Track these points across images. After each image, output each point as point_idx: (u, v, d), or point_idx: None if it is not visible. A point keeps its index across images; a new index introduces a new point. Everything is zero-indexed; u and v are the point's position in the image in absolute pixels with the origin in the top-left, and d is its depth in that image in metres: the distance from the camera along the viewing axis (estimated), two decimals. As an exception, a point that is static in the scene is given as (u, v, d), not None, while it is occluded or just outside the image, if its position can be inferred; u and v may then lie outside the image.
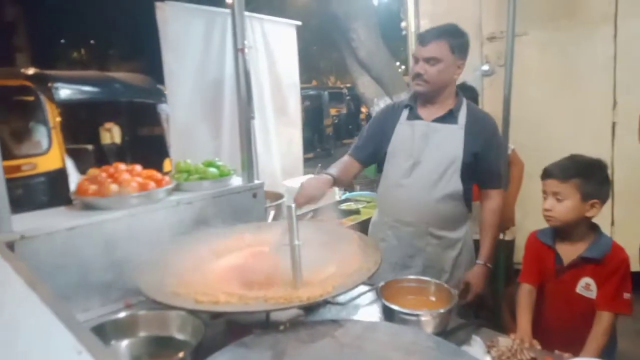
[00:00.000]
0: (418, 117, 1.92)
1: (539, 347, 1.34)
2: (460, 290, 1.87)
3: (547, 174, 1.59)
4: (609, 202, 2.35)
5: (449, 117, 1.88)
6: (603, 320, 1.45)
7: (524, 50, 2.77)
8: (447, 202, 1.87)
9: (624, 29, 2.60)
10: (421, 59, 1.82)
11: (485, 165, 1.90)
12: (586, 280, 1.52)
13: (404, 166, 1.90)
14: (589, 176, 1.52)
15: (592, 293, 1.51)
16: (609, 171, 2.18)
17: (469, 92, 2.61)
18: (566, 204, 1.53)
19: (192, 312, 1.31)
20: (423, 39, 1.84)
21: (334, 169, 1.92)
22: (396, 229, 1.95)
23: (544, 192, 1.59)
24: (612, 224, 1.62)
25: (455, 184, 1.85)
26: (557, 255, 1.59)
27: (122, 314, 1.41)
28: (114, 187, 1.73)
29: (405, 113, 1.96)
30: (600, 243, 1.53)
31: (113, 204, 1.70)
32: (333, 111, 10.91)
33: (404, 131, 1.93)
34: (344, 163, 2.03)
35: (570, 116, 2.26)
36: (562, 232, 1.59)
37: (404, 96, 2.07)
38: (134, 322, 1.39)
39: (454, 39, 1.83)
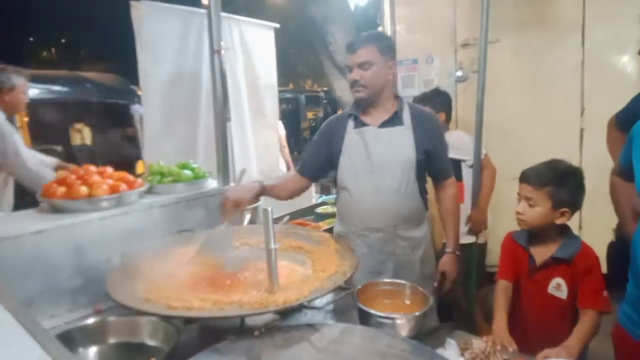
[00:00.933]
0: (365, 124, 1.96)
1: (512, 347, 1.36)
2: (438, 282, 1.97)
3: (523, 179, 1.63)
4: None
5: (395, 120, 1.94)
6: (588, 317, 1.48)
7: (497, 56, 2.83)
8: (410, 202, 1.94)
9: (591, 36, 2.69)
10: (354, 66, 1.88)
11: (436, 160, 1.99)
12: (557, 280, 1.56)
13: (362, 174, 1.93)
14: (562, 185, 1.55)
15: (563, 293, 1.55)
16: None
17: (442, 97, 2.67)
18: (537, 210, 1.57)
19: (165, 318, 1.28)
20: (352, 47, 1.90)
21: (269, 180, 1.96)
22: (365, 237, 1.97)
23: (519, 194, 1.63)
24: (580, 227, 1.67)
25: (413, 183, 1.92)
26: (530, 255, 1.63)
27: (90, 320, 1.38)
28: (83, 189, 1.68)
29: (350, 123, 1.99)
30: (571, 244, 1.58)
31: (83, 206, 1.66)
32: (310, 114, 10.89)
33: (354, 140, 1.96)
34: (286, 178, 2.10)
35: (540, 121, 2.32)
36: (534, 234, 1.64)
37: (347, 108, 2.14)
38: (103, 329, 1.35)
39: (380, 42, 1.91)
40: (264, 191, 1.87)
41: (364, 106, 1.98)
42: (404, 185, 1.90)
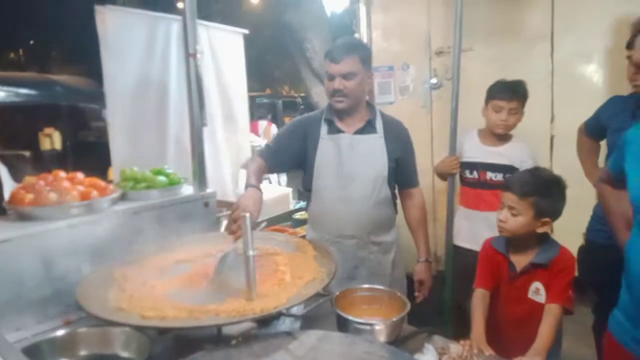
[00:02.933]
0: (340, 131, 1.97)
1: (489, 352, 1.38)
2: (417, 290, 2.00)
3: (507, 187, 1.64)
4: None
5: (369, 128, 1.97)
6: (552, 313, 1.51)
7: (470, 64, 2.89)
8: (382, 208, 1.97)
9: (560, 46, 2.78)
10: (338, 76, 1.87)
11: (406, 168, 2.03)
12: (536, 285, 1.59)
13: (335, 182, 1.94)
14: (545, 195, 1.57)
15: (542, 297, 1.58)
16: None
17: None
18: (519, 220, 1.59)
19: (138, 329, 1.25)
20: (335, 56, 1.87)
21: (257, 180, 1.85)
22: (339, 244, 1.97)
23: (502, 202, 1.64)
24: (551, 231, 1.72)
25: (386, 190, 1.96)
26: (510, 262, 1.65)
27: (60, 332, 1.33)
28: (53, 196, 1.63)
29: (324, 127, 1.99)
30: (549, 249, 1.61)
31: (52, 214, 1.60)
32: (287, 120, 10.90)
33: (328, 146, 1.96)
34: (259, 169, 1.94)
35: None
36: (514, 241, 1.66)
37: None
38: (73, 341, 1.31)
39: (363, 52, 1.92)
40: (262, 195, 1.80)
41: (341, 114, 1.98)
42: (376, 193, 1.93)
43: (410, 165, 2.07)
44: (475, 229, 2.40)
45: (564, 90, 2.77)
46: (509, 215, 1.61)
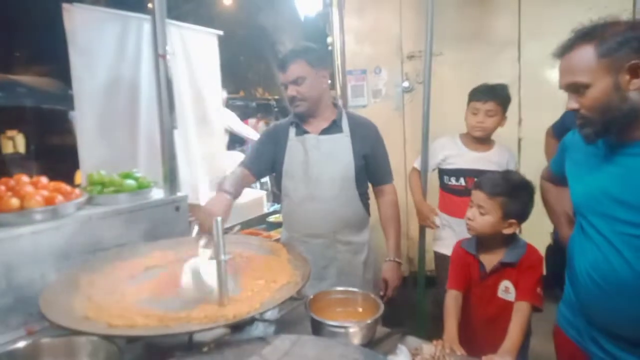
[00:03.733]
0: (305, 132, 2.01)
1: (460, 352, 1.40)
2: (381, 289, 1.99)
3: (477, 186, 1.68)
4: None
5: (334, 127, 2.00)
6: (521, 311, 1.53)
7: (440, 68, 2.95)
8: (349, 207, 1.98)
9: (526, 52, 2.87)
10: (289, 83, 1.93)
11: (375, 165, 2.04)
12: (505, 283, 1.63)
13: (302, 181, 1.97)
14: (514, 197, 1.61)
15: (511, 295, 1.61)
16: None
17: None
18: (486, 219, 1.63)
19: (106, 338, 1.21)
20: (282, 65, 1.94)
21: (230, 185, 1.82)
22: (306, 243, 1.99)
23: (471, 201, 1.68)
24: (519, 232, 1.77)
25: (353, 189, 1.97)
26: (480, 263, 1.68)
27: (21, 343, 1.26)
28: (14, 201, 1.56)
29: (292, 130, 2.04)
30: (517, 248, 1.65)
31: (13, 220, 1.54)
32: (264, 122, 10.84)
33: (296, 147, 2.00)
34: (238, 177, 1.94)
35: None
36: (483, 241, 1.69)
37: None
38: (36, 352, 1.24)
39: (308, 54, 1.95)
40: (233, 201, 1.81)
41: (305, 117, 2.02)
42: (344, 192, 1.95)
43: (380, 161, 2.07)
44: (460, 237, 2.38)
45: (530, 94, 2.86)
46: (477, 214, 1.64)
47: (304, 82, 1.91)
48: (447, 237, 2.46)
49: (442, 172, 2.46)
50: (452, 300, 1.66)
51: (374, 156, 2.02)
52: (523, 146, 2.94)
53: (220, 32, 3.62)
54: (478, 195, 1.65)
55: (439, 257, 2.52)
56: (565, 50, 1.23)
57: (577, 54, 1.20)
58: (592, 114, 1.20)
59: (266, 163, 2.06)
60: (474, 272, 1.70)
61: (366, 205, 2.07)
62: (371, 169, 2.04)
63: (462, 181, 2.38)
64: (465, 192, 2.36)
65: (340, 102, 3.23)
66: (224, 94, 6.83)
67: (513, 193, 1.62)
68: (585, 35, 1.19)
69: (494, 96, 2.26)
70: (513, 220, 1.62)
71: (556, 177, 1.63)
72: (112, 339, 1.21)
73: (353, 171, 1.95)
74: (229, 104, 7.00)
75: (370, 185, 2.11)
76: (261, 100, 12.36)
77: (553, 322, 1.54)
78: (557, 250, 2.21)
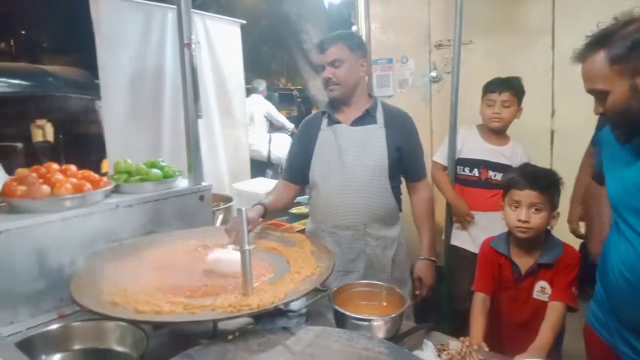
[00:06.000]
0: (337, 122, 1.98)
1: (486, 349, 1.37)
2: (415, 287, 1.96)
3: (523, 185, 1.56)
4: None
5: (367, 118, 1.96)
6: (555, 310, 1.49)
7: (470, 57, 2.87)
8: (381, 200, 1.93)
9: (561, 40, 2.76)
10: (326, 65, 1.92)
11: (409, 159, 1.99)
12: (541, 284, 1.57)
13: (333, 172, 1.94)
14: (557, 188, 1.58)
15: (547, 296, 1.56)
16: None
17: None
18: (543, 216, 1.54)
19: (133, 323, 1.23)
20: (321, 46, 1.93)
21: (268, 198, 1.98)
22: (334, 234, 1.96)
23: (516, 202, 1.57)
24: (551, 229, 1.72)
25: (385, 182, 1.92)
26: (513, 264, 1.62)
27: (54, 326, 1.30)
28: (45, 188, 1.60)
29: (324, 120, 2.01)
30: (553, 248, 1.58)
31: (44, 206, 1.57)
32: (284, 113, 10.82)
33: (327, 137, 1.98)
34: (277, 189, 2.09)
35: (512, 123, 2.37)
36: (520, 241, 1.61)
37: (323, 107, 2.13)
38: (67, 335, 1.28)
39: (349, 40, 1.94)
40: (267, 210, 1.87)
41: (337, 105, 1.99)
42: (374, 183, 1.91)
43: (415, 156, 2.02)
44: (475, 231, 2.37)
45: (564, 84, 2.75)
46: (532, 213, 1.54)
47: (341, 66, 1.89)
48: (462, 230, 2.44)
49: (457, 162, 2.45)
50: (479, 303, 1.60)
51: (408, 149, 1.97)
52: (556, 138, 2.83)
53: (244, 22, 3.62)
54: (528, 194, 1.54)
55: (453, 250, 2.50)
56: (580, 58, 1.21)
57: (591, 62, 1.18)
58: (617, 118, 1.19)
59: (301, 166, 2.04)
60: (506, 273, 1.63)
61: (398, 200, 2.02)
62: (405, 162, 1.98)
63: (475, 172, 2.38)
64: (478, 183, 2.36)
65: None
66: (262, 85, 6.91)
67: (557, 184, 1.58)
68: (596, 42, 1.17)
69: (509, 87, 2.27)
70: (557, 211, 1.58)
71: (599, 174, 1.57)
72: (139, 324, 1.23)
73: (386, 163, 1.91)
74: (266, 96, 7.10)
75: (403, 180, 2.06)
76: (284, 91, 12.37)
77: (583, 320, 1.50)
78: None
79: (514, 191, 1.58)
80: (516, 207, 1.57)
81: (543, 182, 1.55)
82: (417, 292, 1.96)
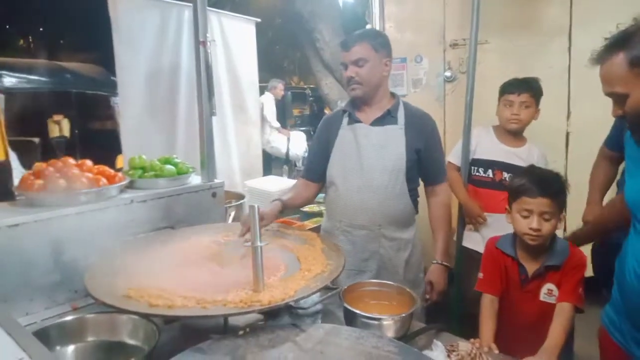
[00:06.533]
0: (358, 121, 1.96)
1: (496, 351, 1.36)
2: (426, 291, 1.93)
3: (533, 192, 1.52)
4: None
5: (388, 118, 1.93)
6: (564, 311, 1.48)
7: (485, 57, 2.85)
8: (397, 202, 1.91)
9: (578, 41, 2.72)
10: (349, 63, 1.88)
11: (429, 162, 1.96)
12: (548, 286, 1.56)
13: (350, 171, 1.93)
14: (564, 191, 1.56)
15: (554, 298, 1.55)
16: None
17: None
18: (553, 223, 1.52)
19: (145, 316, 1.24)
20: (346, 44, 1.90)
21: (287, 194, 1.98)
22: (349, 233, 1.96)
23: (527, 210, 1.53)
24: (565, 230, 1.70)
25: (402, 183, 1.90)
26: (520, 266, 1.60)
27: (68, 318, 1.33)
28: (62, 182, 1.62)
29: (345, 119, 2.00)
30: (560, 250, 1.56)
31: (60, 200, 1.60)
32: (296, 112, 10.80)
33: (346, 136, 1.96)
34: (297, 187, 2.10)
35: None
36: (528, 245, 1.58)
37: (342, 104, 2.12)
38: (81, 326, 1.31)
39: (374, 39, 1.91)
40: (284, 207, 1.88)
41: (359, 104, 1.97)
42: (391, 185, 1.89)
43: (434, 159, 1.98)
44: (487, 232, 2.35)
45: (581, 85, 2.72)
46: (542, 221, 1.51)
47: (365, 65, 1.86)
48: (474, 231, 2.42)
49: (471, 163, 2.43)
50: (488, 304, 1.59)
51: (427, 152, 1.93)
52: (571, 140, 2.80)
53: (258, 20, 3.64)
54: (540, 202, 1.50)
55: (465, 252, 2.48)
56: (599, 60, 1.18)
57: (609, 64, 1.16)
58: (636, 121, 1.18)
59: (320, 164, 2.03)
60: (513, 275, 1.61)
61: (415, 202, 1.99)
62: (424, 165, 1.95)
63: (489, 173, 2.36)
64: (491, 185, 2.33)
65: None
66: (280, 85, 6.95)
67: (563, 187, 1.56)
68: (615, 44, 1.15)
69: (528, 88, 2.24)
70: (563, 214, 1.56)
71: (610, 152, 1.54)
72: (151, 318, 1.24)
73: (404, 164, 1.88)
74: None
75: (422, 182, 2.03)
76: (296, 90, 12.38)
77: (597, 325, 1.48)
78: (604, 251, 2.12)
79: (525, 199, 1.54)
80: (527, 216, 1.53)
81: (554, 188, 1.53)
82: (428, 296, 1.94)
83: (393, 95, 2.01)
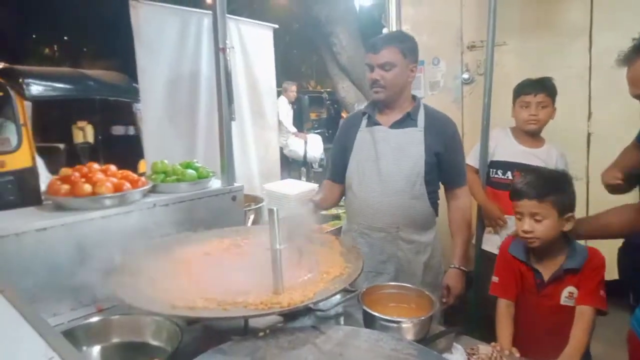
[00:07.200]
0: (377, 124, 1.96)
1: (517, 354, 1.35)
2: (443, 295, 1.92)
3: (520, 195, 1.54)
4: (584, 212, 2.40)
5: (407, 120, 1.93)
6: (584, 315, 1.46)
7: (503, 59, 2.83)
8: (415, 204, 1.90)
9: (598, 41, 2.67)
10: (376, 66, 1.87)
11: (449, 165, 1.94)
12: (569, 289, 1.53)
13: (368, 173, 1.93)
14: (561, 191, 1.52)
15: (575, 301, 1.53)
16: (584, 181, 2.19)
17: None
18: (546, 224, 1.51)
19: (168, 318, 1.27)
20: (374, 46, 1.88)
21: (317, 195, 2.05)
22: (367, 235, 1.96)
23: (519, 213, 1.55)
24: (576, 235, 1.68)
25: (420, 186, 1.88)
26: (535, 270, 1.58)
27: (94, 319, 1.37)
28: (87, 187, 1.67)
29: (364, 121, 2.00)
30: (578, 253, 1.54)
31: (86, 204, 1.65)
32: (313, 115, 10.85)
33: (365, 138, 1.97)
34: (323, 188, 2.14)
35: (547, 125, 2.31)
36: (540, 248, 1.57)
37: (362, 105, 2.12)
38: (106, 328, 1.35)
39: (403, 43, 1.89)
40: (316, 208, 1.95)
41: (380, 106, 1.98)
42: (409, 187, 1.88)
43: (455, 162, 1.97)
44: (507, 235, 2.32)
45: (602, 86, 2.66)
46: (534, 223, 1.51)
47: (391, 69, 1.85)
48: (493, 234, 2.39)
49: (490, 165, 2.41)
50: (504, 309, 1.58)
51: (447, 155, 1.91)
52: (592, 141, 2.74)
53: (276, 26, 3.67)
54: (527, 204, 1.52)
55: (485, 255, 2.45)
56: (626, 61, 1.16)
57: (638, 66, 1.13)
58: None
59: (341, 165, 2.03)
60: (528, 279, 1.59)
61: (434, 205, 1.97)
62: (444, 168, 1.93)
63: (509, 175, 2.34)
64: (511, 187, 2.29)
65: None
66: (292, 87, 7.01)
67: (559, 188, 1.53)
68: None
69: (543, 88, 2.22)
70: (570, 214, 1.52)
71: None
72: (174, 319, 1.27)
73: (423, 167, 1.87)
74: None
75: (442, 186, 2.01)
76: (313, 94, 12.42)
77: (623, 330, 1.45)
78: (630, 252, 2.07)
79: (515, 202, 1.56)
80: (520, 218, 1.55)
81: (541, 189, 1.51)
82: (444, 300, 1.92)
83: (414, 97, 2.00)
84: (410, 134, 1.90)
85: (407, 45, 1.89)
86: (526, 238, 1.54)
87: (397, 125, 1.93)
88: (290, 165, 6.67)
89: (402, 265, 1.94)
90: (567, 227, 1.53)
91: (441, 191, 2.02)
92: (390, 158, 1.89)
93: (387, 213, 1.90)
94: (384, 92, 1.89)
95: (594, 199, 2.59)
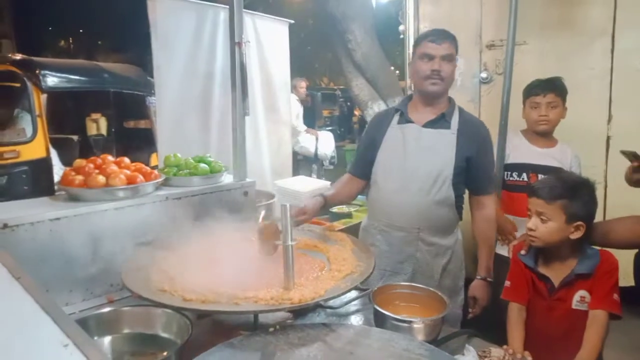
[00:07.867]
0: (409, 121, 1.93)
1: (530, 358, 1.33)
2: (469, 306, 1.91)
3: (533, 193, 1.55)
4: (601, 217, 2.35)
5: (441, 121, 1.90)
6: (597, 319, 1.43)
7: (523, 58, 2.78)
8: (439, 207, 1.87)
9: (621, 42, 2.62)
10: (438, 57, 1.84)
11: (478, 171, 1.91)
12: (581, 293, 1.51)
13: (394, 170, 1.90)
14: (575, 197, 1.49)
15: (587, 305, 1.50)
16: (603, 185, 2.14)
17: None
18: (550, 226, 1.49)
19: (179, 311, 1.27)
20: (437, 37, 1.86)
21: (330, 190, 2.01)
22: (387, 233, 1.94)
23: (529, 210, 1.56)
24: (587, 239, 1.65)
25: (447, 189, 1.85)
26: (543, 277, 1.56)
27: (105, 309, 1.37)
28: (100, 178, 1.68)
29: (396, 118, 1.97)
30: (590, 257, 1.51)
31: (99, 196, 1.65)
32: (326, 112, 10.84)
33: (395, 135, 1.93)
34: (341, 182, 2.10)
35: (565, 127, 2.26)
36: (548, 252, 1.56)
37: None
38: (117, 318, 1.35)
39: (455, 41, 1.90)
40: (326, 202, 1.91)
41: (415, 103, 1.96)
42: (435, 190, 1.84)
43: (484, 168, 1.93)
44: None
45: (624, 88, 2.61)
46: (539, 223, 1.50)
47: (451, 62, 1.86)
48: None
49: (504, 168, 2.38)
50: (516, 313, 1.57)
51: (477, 161, 1.88)
52: (612, 145, 2.69)
53: (292, 21, 3.66)
54: (536, 202, 1.52)
55: (500, 259, 2.42)
56: None
57: None
58: None
59: (368, 161, 2.00)
60: (539, 285, 1.57)
61: (459, 209, 1.94)
62: (472, 174, 1.89)
63: (524, 176, 2.31)
64: (527, 189, 2.25)
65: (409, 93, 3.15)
66: (302, 83, 6.99)
67: (573, 193, 1.49)
68: None
69: (552, 88, 2.21)
70: (580, 223, 1.48)
71: None
72: (184, 312, 1.27)
73: (451, 170, 1.84)
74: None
75: (468, 192, 1.98)
76: (326, 90, 12.41)
77: (639, 337, 1.42)
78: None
79: (528, 198, 1.58)
80: (529, 215, 1.56)
81: (552, 191, 1.49)
82: (470, 311, 1.90)
83: (449, 99, 1.97)
84: (443, 136, 1.87)
85: (455, 44, 1.90)
86: (529, 236, 1.55)
87: (430, 124, 1.89)
88: (301, 162, 6.66)
89: (420, 266, 1.92)
90: (575, 235, 1.49)
91: (465, 196, 1.99)
92: (418, 157, 1.86)
93: (409, 213, 1.88)
94: (441, 85, 1.87)
95: (611, 204, 2.54)
